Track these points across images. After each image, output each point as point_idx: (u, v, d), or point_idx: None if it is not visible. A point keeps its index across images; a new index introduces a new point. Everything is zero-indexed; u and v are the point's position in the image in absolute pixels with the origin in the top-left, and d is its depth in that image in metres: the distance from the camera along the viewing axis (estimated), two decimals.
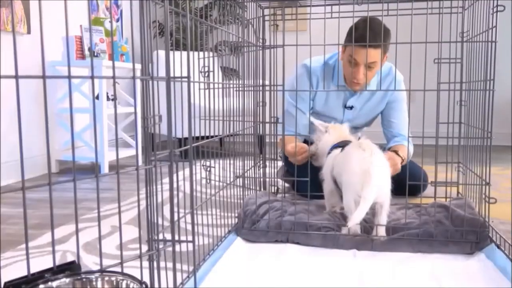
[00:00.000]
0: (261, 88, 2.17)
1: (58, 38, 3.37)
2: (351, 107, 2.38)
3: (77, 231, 0.92)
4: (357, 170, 1.63)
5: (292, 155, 2.11)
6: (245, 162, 2.05)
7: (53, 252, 0.91)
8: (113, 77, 0.94)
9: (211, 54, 3.18)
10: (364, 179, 1.60)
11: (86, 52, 3.30)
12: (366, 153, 1.66)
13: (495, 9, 1.57)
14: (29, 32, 3.07)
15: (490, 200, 1.62)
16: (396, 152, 2.20)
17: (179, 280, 1.28)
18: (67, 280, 0.90)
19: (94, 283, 0.92)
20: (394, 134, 2.41)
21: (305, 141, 2.34)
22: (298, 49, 1.77)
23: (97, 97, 3.26)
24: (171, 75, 1.07)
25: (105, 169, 3.26)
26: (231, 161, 2.00)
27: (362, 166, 1.62)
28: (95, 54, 3.31)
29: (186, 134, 3.30)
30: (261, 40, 2.17)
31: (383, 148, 1.84)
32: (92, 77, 0.90)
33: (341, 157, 1.78)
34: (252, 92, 2.13)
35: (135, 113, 1.01)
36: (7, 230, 1.97)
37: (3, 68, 2.80)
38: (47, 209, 2.32)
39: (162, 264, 1.13)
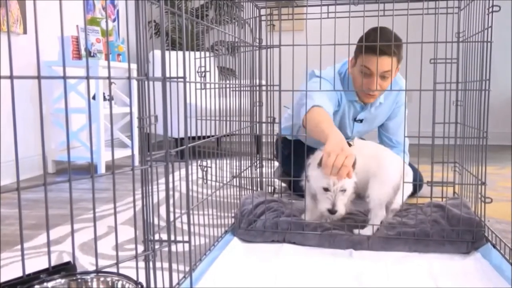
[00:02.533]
0: (257, 88, 2.17)
1: (55, 38, 3.36)
2: (361, 120, 2.34)
3: (72, 231, 0.92)
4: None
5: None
6: (242, 162, 2.05)
7: (49, 252, 0.90)
8: (109, 78, 0.94)
9: (207, 54, 3.18)
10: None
11: (83, 52, 3.29)
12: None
13: (490, 9, 1.57)
14: (25, 32, 3.07)
15: (486, 200, 1.62)
16: None
17: (175, 281, 1.28)
18: (63, 280, 0.90)
19: (89, 283, 0.92)
20: (392, 143, 2.40)
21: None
22: (295, 49, 1.77)
23: (94, 97, 3.26)
24: (168, 75, 1.07)
25: (102, 169, 3.26)
26: (228, 161, 2.00)
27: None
28: (92, 54, 3.31)
29: (182, 134, 3.30)
30: (257, 40, 2.17)
31: None
32: (87, 78, 0.90)
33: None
34: (249, 92, 2.13)
35: (131, 113, 1.01)
36: (4, 230, 1.97)
37: (1, 68, 2.80)
38: (44, 210, 2.31)
39: (158, 264, 1.12)
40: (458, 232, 1.65)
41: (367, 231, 1.72)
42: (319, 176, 1.67)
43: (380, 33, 1.85)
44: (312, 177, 1.72)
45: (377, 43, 1.79)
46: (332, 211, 1.65)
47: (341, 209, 1.66)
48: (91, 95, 3.39)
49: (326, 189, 1.65)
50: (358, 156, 1.67)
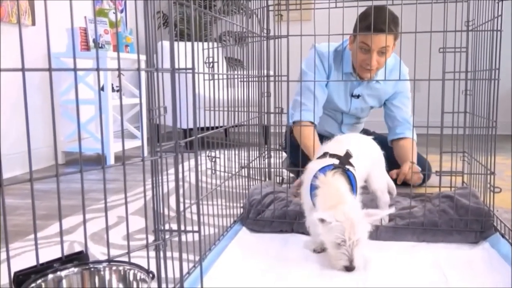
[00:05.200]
0: (265, 78, 2.17)
1: (62, 30, 3.37)
2: (358, 96, 2.37)
3: (84, 221, 0.93)
4: None
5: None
6: (250, 152, 2.06)
7: (61, 242, 0.92)
8: (118, 69, 0.95)
9: (215, 44, 3.17)
10: None
11: (91, 44, 3.30)
12: None
13: None
14: (33, 24, 3.08)
15: (495, 189, 1.62)
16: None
17: (185, 270, 1.30)
18: (76, 269, 0.91)
19: (102, 272, 0.93)
20: (397, 120, 2.37)
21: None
22: (303, 39, 1.76)
23: (102, 89, 3.27)
24: (176, 66, 1.07)
25: (111, 160, 3.28)
26: (236, 152, 2.01)
27: None
28: (100, 45, 3.31)
29: (191, 125, 3.30)
30: (265, 30, 2.17)
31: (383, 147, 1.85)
32: (97, 69, 0.91)
33: None
34: (257, 82, 2.13)
35: (140, 104, 1.02)
36: (14, 221, 1.99)
37: (8, 60, 2.81)
38: (54, 200, 2.33)
39: (168, 254, 1.14)
40: (467, 221, 1.65)
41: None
42: (330, 229, 1.39)
43: (379, 12, 1.92)
44: (319, 230, 1.44)
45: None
46: (350, 269, 1.38)
47: (359, 264, 1.41)
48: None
49: (340, 244, 1.39)
50: (361, 156, 1.66)
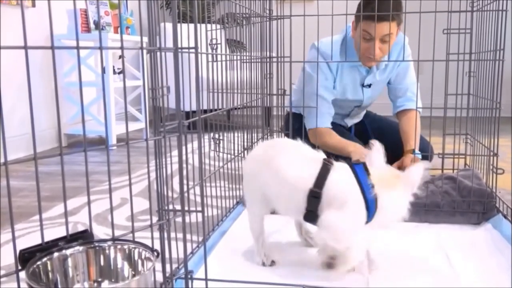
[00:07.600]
0: (268, 60, 2.16)
1: (63, 12, 3.35)
2: (370, 85, 2.32)
3: (89, 200, 0.94)
4: None
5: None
6: (253, 134, 2.06)
7: (66, 220, 0.92)
8: (121, 48, 0.94)
9: (217, 26, 3.15)
10: None
11: (91, 25, 3.28)
12: None
13: None
14: (34, 5, 3.06)
15: (498, 171, 1.62)
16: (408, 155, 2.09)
17: (189, 250, 1.30)
18: (81, 248, 0.92)
19: (107, 251, 0.94)
20: (399, 90, 2.33)
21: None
22: (306, 20, 1.75)
23: (104, 71, 3.26)
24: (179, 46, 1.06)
25: (113, 142, 3.28)
26: (239, 134, 2.00)
27: None
28: (101, 27, 3.29)
29: (193, 107, 3.29)
30: (268, 11, 2.15)
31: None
32: (100, 48, 0.90)
33: None
34: (259, 64, 2.12)
35: (144, 84, 1.01)
36: (18, 202, 2.00)
37: (9, 43, 2.79)
38: (57, 182, 2.34)
39: (172, 235, 1.14)
40: (469, 203, 1.65)
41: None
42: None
43: None
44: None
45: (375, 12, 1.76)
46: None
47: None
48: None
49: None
50: None
